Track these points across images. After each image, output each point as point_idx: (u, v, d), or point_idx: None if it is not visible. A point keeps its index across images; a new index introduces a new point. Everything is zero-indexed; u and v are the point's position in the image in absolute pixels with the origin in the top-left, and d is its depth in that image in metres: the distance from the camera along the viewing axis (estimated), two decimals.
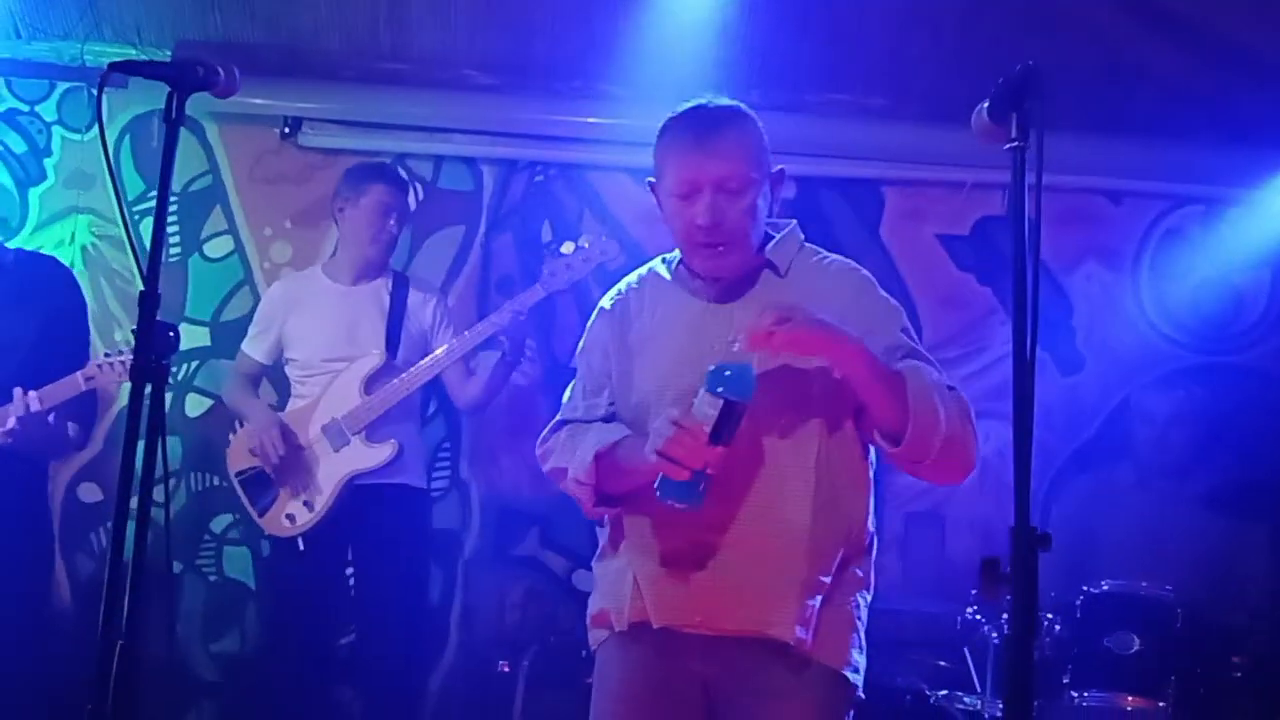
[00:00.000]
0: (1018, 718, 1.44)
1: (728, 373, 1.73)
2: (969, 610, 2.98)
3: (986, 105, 1.61)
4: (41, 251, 3.59)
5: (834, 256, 2.03)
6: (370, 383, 3.34)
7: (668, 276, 2.02)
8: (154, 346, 1.76)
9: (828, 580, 1.86)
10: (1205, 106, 3.84)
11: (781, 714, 1.84)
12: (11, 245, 3.20)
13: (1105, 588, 2.92)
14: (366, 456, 3.30)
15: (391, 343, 3.40)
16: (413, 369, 3.34)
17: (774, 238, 1.98)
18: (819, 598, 1.85)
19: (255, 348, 3.52)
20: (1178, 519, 3.34)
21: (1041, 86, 1.54)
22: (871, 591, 1.96)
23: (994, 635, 2.85)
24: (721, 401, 1.71)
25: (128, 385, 1.78)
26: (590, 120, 4.04)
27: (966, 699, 2.92)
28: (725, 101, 1.98)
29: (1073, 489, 3.61)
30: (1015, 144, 1.59)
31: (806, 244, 2.03)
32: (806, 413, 1.86)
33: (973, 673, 2.96)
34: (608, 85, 3.95)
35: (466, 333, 3.35)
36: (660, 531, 1.90)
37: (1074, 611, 2.91)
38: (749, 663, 1.84)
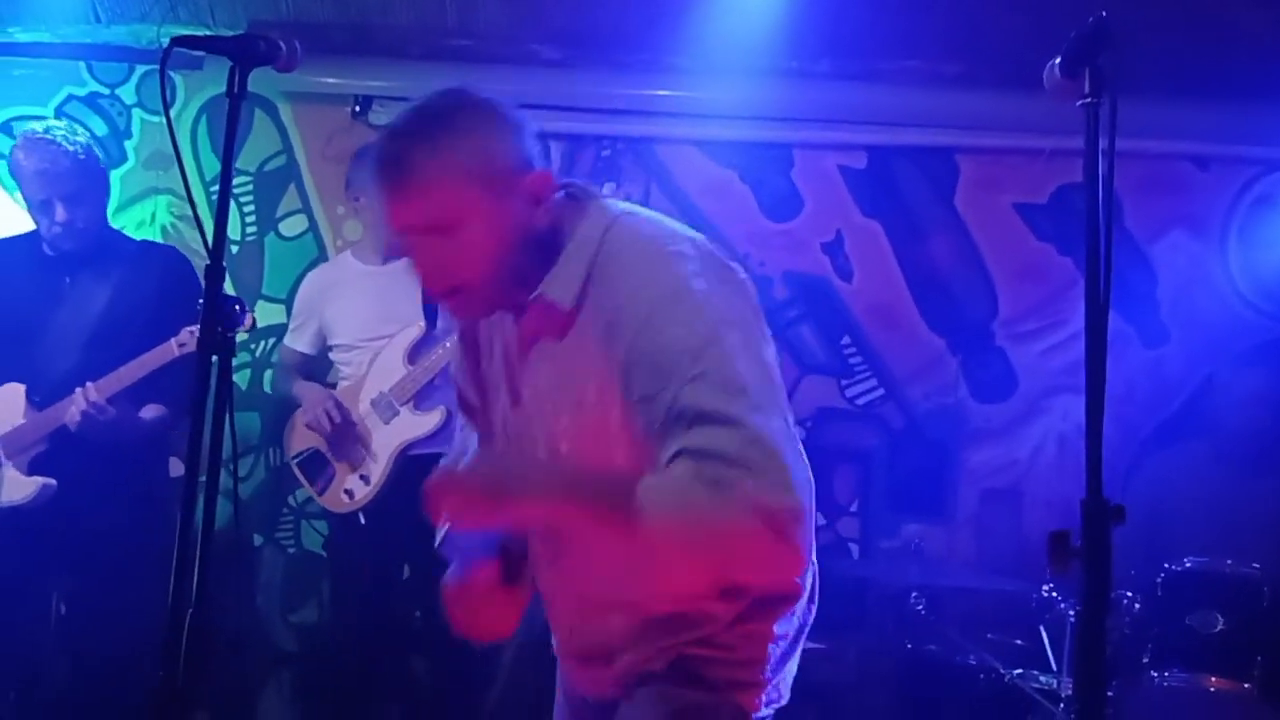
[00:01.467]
0: (1090, 693, 1.39)
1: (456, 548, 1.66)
2: (1045, 588, 2.91)
3: (1059, 60, 1.55)
4: (157, 241, 3.74)
5: (639, 245, 1.52)
6: (413, 353, 3.39)
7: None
8: (220, 318, 1.79)
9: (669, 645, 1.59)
10: None
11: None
12: None
13: (1188, 565, 2.82)
14: (416, 425, 3.34)
15: (430, 313, 3.44)
16: (454, 336, 3.37)
17: (565, 248, 1.55)
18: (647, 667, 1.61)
19: (297, 340, 3.59)
20: (1265, 495, 3.22)
21: (1116, 38, 1.48)
22: (780, 641, 1.62)
23: (1070, 613, 2.78)
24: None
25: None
26: (657, 93, 4.01)
27: (1042, 678, 2.86)
28: (412, 123, 1.55)
29: (1155, 464, 3.50)
30: (1089, 100, 1.53)
31: (615, 226, 1.55)
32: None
33: (1048, 651, 2.89)
34: (674, 57, 3.91)
35: None
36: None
37: (1154, 590, 2.82)
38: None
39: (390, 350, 3.41)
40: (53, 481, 2.94)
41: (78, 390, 2.89)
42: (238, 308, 1.82)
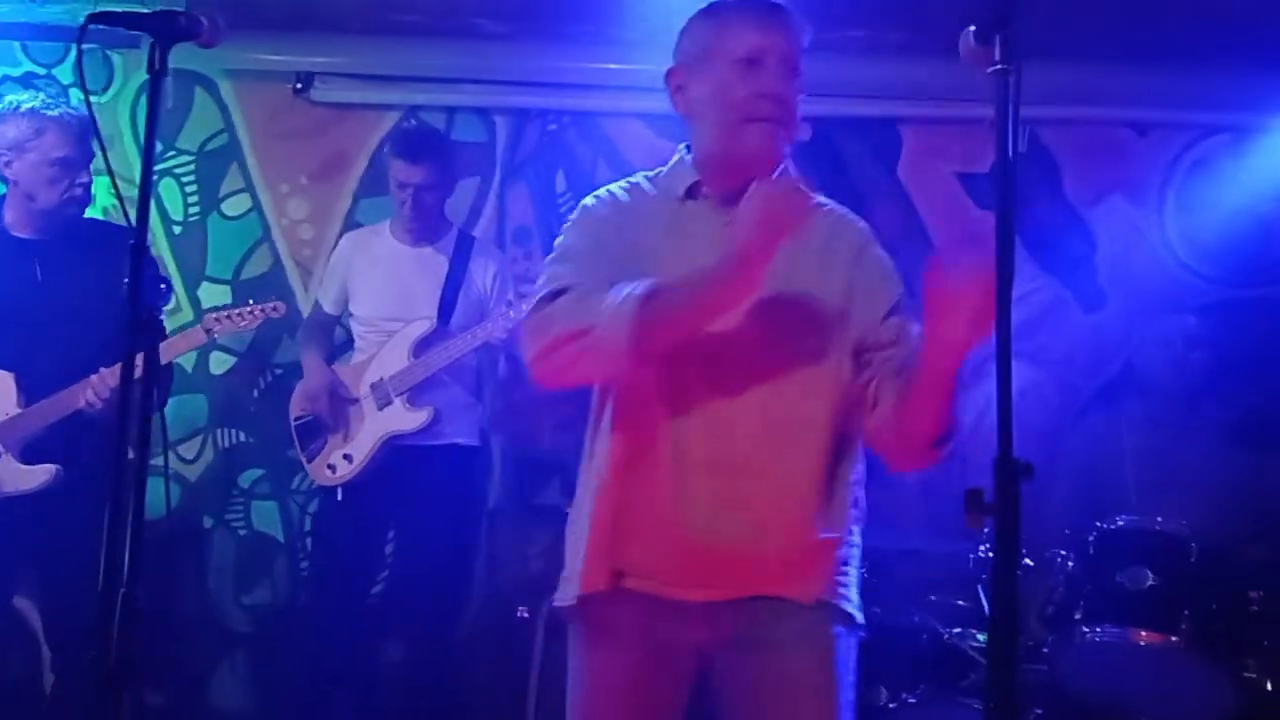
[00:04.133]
0: (1000, 646, 1.43)
1: None
2: (982, 548, 2.96)
3: (973, 28, 1.58)
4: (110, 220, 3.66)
5: (829, 202, 1.89)
6: (419, 347, 3.42)
7: (653, 190, 1.87)
8: (147, 298, 1.78)
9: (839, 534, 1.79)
10: (1233, 31, 3.72)
11: (794, 667, 1.74)
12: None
13: (1119, 523, 2.88)
14: (404, 419, 3.40)
15: (446, 308, 3.46)
16: (458, 338, 3.40)
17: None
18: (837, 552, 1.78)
19: (324, 297, 3.64)
20: (1197, 453, 3.29)
21: (1024, 5, 1.51)
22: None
23: None
24: None
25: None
26: (603, 66, 4.00)
27: (979, 636, 2.92)
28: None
29: (1092, 426, 3.56)
30: (1000, 68, 1.56)
31: (800, 186, 1.79)
32: (822, 354, 1.75)
33: (986, 609, 2.95)
34: (619, 30, 3.89)
35: (510, 311, 3.32)
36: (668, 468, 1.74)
37: (1087, 548, 2.88)
38: (750, 620, 1.73)
39: (398, 339, 3.45)
40: (60, 468, 2.93)
41: (95, 376, 2.88)
42: (163, 286, 1.82)
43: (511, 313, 3.31)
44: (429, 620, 3.58)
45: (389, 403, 3.42)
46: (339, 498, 3.46)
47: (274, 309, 3.22)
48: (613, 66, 4.01)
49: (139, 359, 1.74)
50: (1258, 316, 3.94)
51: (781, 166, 1.83)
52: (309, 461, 3.50)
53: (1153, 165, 4.10)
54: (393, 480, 3.42)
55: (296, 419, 3.53)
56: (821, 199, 1.84)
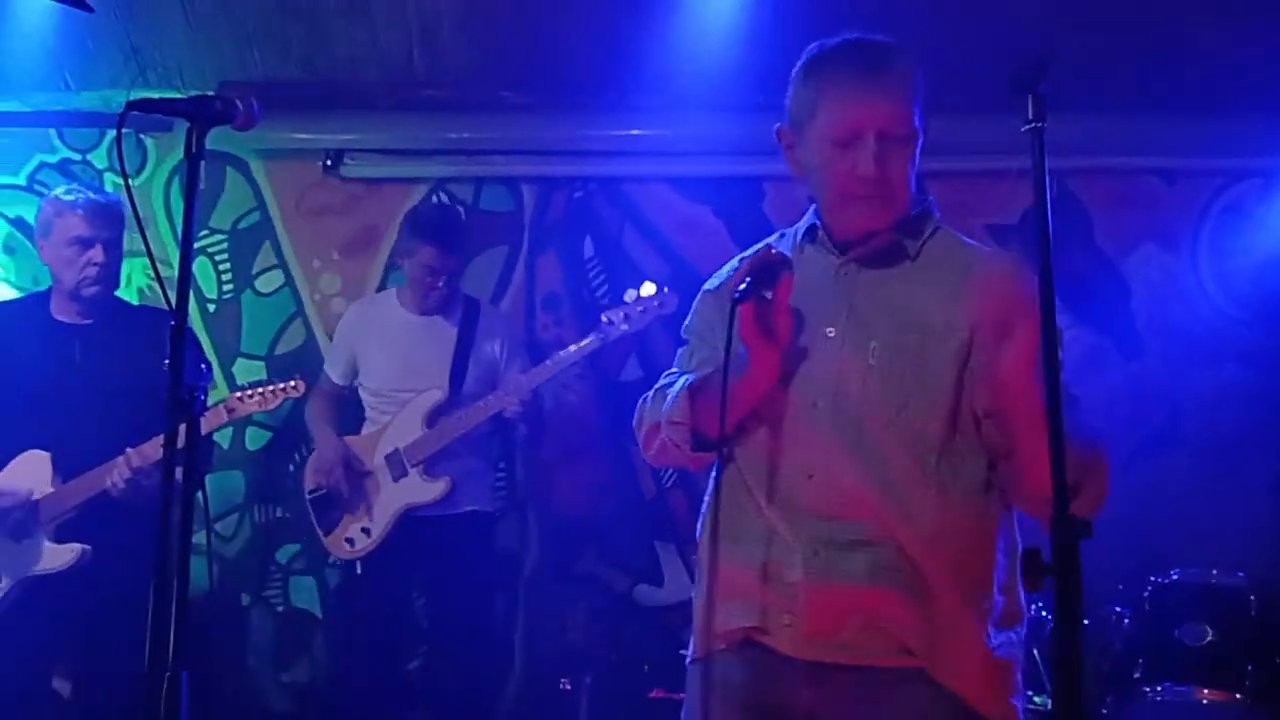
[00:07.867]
0: (1068, 709, 1.38)
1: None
2: (1034, 607, 2.89)
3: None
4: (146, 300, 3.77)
5: (981, 245, 1.81)
6: (432, 416, 3.40)
7: (780, 242, 1.81)
8: (187, 379, 1.79)
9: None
10: (1253, 79, 3.71)
11: None
12: None
13: (1174, 577, 2.81)
14: (421, 491, 3.36)
15: (457, 377, 3.45)
16: (471, 408, 3.38)
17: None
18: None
19: (332, 368, 3.62)
20: (1248, 502, 3.22)
21: (1051, 67, 1.51)
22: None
23: None
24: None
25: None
26: (626, 133, 4.05)
27: (1036, 699, 2.84)
28: (893, 45, 1.70)
29: (1139, 477, 3.49)
30: (1033, 125, 1.56)
31: (944, 228, 1.78)
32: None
33: (1042, 671, 2.87)
34: (641, 96, 3.95)
35: (523, 379, 3.38)
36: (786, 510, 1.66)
37: (1143, 604, 2.81)
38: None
39: (411, 409, 3.42)
40: (89, 548, 2.94)
41: (121, 457, 2.90)
42: (204, 367, 1.82)
43: (524, 380, 3.34)
44: (469, 695, 3.52)
45: (404, 474, 3.38)
46: (358, 571, 3.41)
47: (294, 388, 3.23)
48: (636, 133, 4.05)
49: (180, 439, 1.74)
50: None
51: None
52: (325, 535, 3.45)
53: (1183, 212, 4.08)
54: (412, 552, 3.38)
55: (310, 492, 3.49)
56: (964, 240, 1.80)
